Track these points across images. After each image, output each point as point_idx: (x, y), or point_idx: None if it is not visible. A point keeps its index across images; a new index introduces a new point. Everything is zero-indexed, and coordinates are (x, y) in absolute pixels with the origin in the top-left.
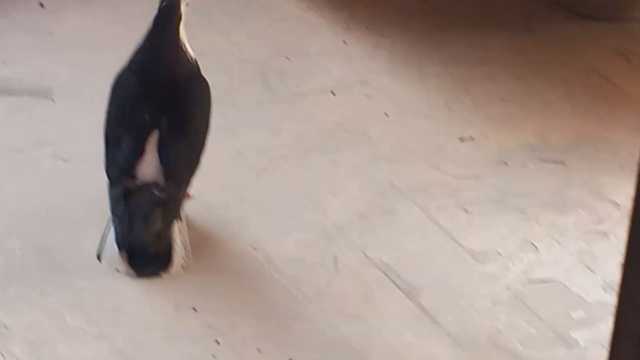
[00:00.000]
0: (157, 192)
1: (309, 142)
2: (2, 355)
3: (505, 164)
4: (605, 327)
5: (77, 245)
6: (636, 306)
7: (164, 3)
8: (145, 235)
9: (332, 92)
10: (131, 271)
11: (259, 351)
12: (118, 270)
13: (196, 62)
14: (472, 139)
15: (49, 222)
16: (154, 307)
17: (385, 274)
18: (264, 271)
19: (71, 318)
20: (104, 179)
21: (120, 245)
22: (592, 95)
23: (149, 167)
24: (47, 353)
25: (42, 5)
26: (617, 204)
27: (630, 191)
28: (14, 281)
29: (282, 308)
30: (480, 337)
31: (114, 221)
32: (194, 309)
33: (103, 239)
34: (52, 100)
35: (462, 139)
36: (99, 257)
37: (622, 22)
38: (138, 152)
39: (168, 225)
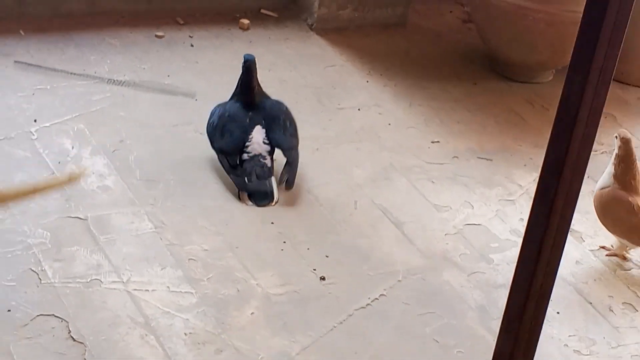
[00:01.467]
0: (262, 160)
1: (343, 137)
2: (160, 238)
3: (457, 157)
4: (509, 254)
5: (206, 181)
6: (533, 242)
7: (247, 63)
8: (267, 185)
9: (358, 109)
10: (252, 203)
11: (308, 249)
12: (246, 203)
13: (263, 91)
14: (438, 142)
15: (190, 167)
16: (249, 220)
17: (384, 213)
18: (314, 205)
19: (201, 222)
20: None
21: (242, 190)
22: (510, 123)
23: (255, 145)
24: (186, 239)
25: (192, 45)
26: (521, 186)
27: (530, 179)
28: (169, 198)
29: (323, 226)
30: (437, 251)
31: (233, 178)
32: (272, 223)
33: (238, 186)
34: (195, 99)
35: (432, 142)
36: (238, 197)
37: (529, 84)
38: (247, 136)
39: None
